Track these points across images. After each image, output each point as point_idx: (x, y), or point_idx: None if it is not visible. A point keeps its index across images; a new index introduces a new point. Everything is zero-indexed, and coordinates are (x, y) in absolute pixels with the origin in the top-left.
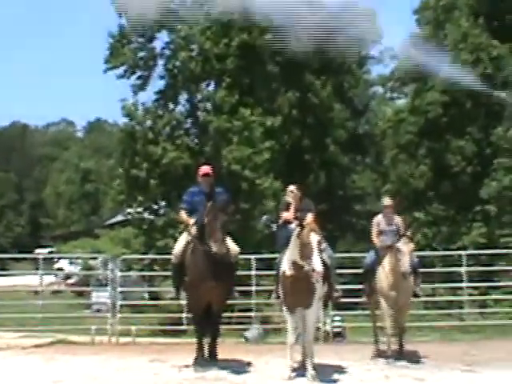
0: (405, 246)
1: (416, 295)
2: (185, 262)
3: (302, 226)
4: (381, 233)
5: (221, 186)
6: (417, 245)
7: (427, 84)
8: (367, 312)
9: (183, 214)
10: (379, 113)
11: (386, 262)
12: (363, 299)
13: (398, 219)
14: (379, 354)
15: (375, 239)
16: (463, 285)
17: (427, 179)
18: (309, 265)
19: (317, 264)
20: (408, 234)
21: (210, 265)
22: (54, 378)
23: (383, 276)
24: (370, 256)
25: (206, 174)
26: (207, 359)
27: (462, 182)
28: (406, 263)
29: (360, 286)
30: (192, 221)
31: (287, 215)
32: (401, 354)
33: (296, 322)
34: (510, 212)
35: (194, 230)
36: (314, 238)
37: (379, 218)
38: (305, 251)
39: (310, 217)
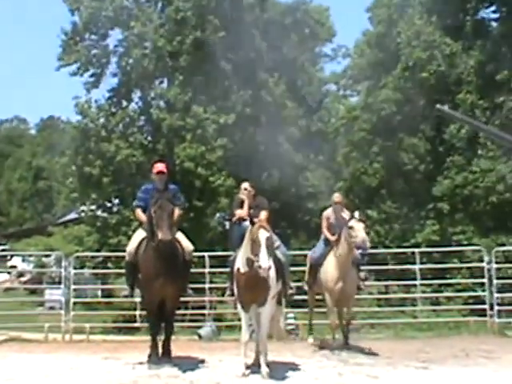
0: (356, 223)
1: (359, 289)
2: (138, 259)
3: (253, 223)
4: (330, 226)
5: (174, 183)
6: (370, 242)
7: (380, 82)
8: (320, 310)
9: (140, 213)
10: (332, 110)
11: (336, 249)
12: (305, 289)
13: (347, 213)
14: (322, 347)
15: (326, 232)
16: (416, 282)
17: (380, 177)
18: (256, 261)
19: (263, 260)
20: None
21: (164, 261)
22: (6, 375)
23: (330, 267)
24: (318, 248)
25: (160, 172)
26: (161, 357)
27: (415, 180)
28: (362, 234)
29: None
30: (144, 218)
31: (240, 212)
32: (347, 347)
33: (250, 319)
34: (463, 210)
35: (146, 226)
36: (263, 235)
37: (329, 212)
38: (255, 248)
39: (263, 214)
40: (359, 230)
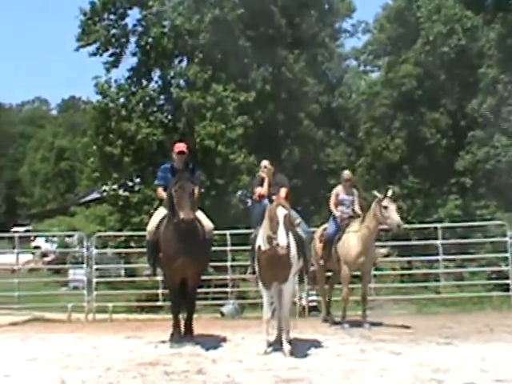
0: (391, 204)
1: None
2: (159, 238)
3: (272, 201)
4: (340, 203)
5: (193, 163)
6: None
7: (401, 57)
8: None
9: (161, 191)
10: (353, 86)
11: (363, 223)
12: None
13: (355, 192)
14: (327, 320)
15: (333, 208)
16: (439, 257)
17: (402, 152)
18: (275, 239)
19: (281, 238)
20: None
21: (184, 240)
22: (30, 355)
23: (352, 241)
24: (330, 225)
25: (181, 152)
26: (183, 335)
27: (437, 155)
28: (397, 217)
29: None
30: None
31: (260, 190)
32: (364, 321)
33: (272, 296)
34: (485, 184)
35: (166, 205)
36: (281, 213)
37: (338, 189)
38: (273, 226)
39: (282, 192)
40: (393, 212)
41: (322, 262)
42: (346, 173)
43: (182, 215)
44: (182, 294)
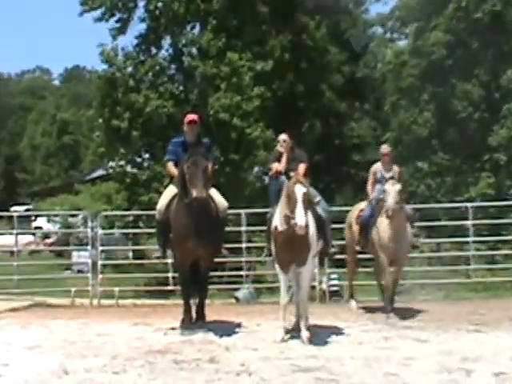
0: (390, 187)
1: (414, 247)
2: (169, 217)
3: (290, 177)
4: (377, 182)
5: (207, 136)
6: (420, 197)
7: (430, 23)
8: (366, 270)
9: (171, 167)
10: (378, 55)
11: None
12: (362, 255)
13: (396, 168)
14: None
15: (369, 189)
16: (470, 239)
17: (431, 126)
18: (292, 218)
19: (299, 217)
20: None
21: (196, 219)
22: (31, 343)
23: (383, 226)
24: (367, 208)
25: (191, 121)
26: (195, 322)
27: (469, 129)
28: (390, 201)
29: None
30: (175, 170)
31: (278, 166)
32: (392, 309)
33: (289, 280)
34: None
35: (178, 182)
36: (300, 190)
37: (377, 167)
38: (291, 204)
39: (301, 168)
40: (389, 195)
41: (358, 247)
42: (384, 147)
43: (194, 193)
44: (194, 277)
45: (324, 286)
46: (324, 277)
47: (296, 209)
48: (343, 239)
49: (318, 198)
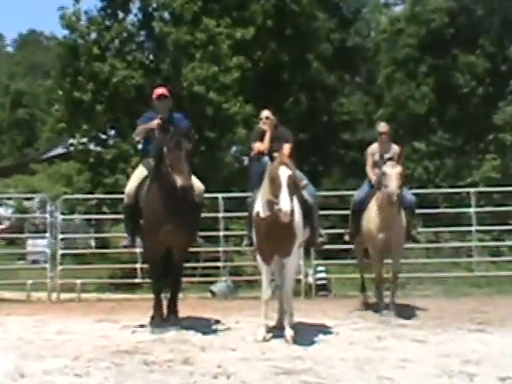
0: (390, 169)
1: (414, 240)
2: (139, 201)
3: (273, 158)
4: (376, 164)
5: (180, 111)
6: (417, 181)
7: None
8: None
9: (140, 127)
10: (372, 22)
11: (376, 197)
12: (346, 239)
13: (395, 148)
14: (367, 307)
15: (370, 171)
16: (472, 228)
17: (429, 102)
18: (276, 204)
19: (284, 203)
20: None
21: (170, 204)
22: None
23: (371, 215)
24: (361, 190)
25: (161, 96)
26: (166, 318)
27: (472, 106)
28: (392, 185)
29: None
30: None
31: (260, 146)
32: (392, 308)
33: (272, 273)
34: None
35: (151, 162)
36: (284, 173)
37: (374, 148)
38: (275, 188)
39: (285, 148)
40: (391, 179)
41: (347, 237)
42: (382, 125)
43: (179, 181)
44: (166, 269)
45: (310, 280)
46: (310, 269)
47: (280, 193)
48: (332, 227)
49: (305, 181)
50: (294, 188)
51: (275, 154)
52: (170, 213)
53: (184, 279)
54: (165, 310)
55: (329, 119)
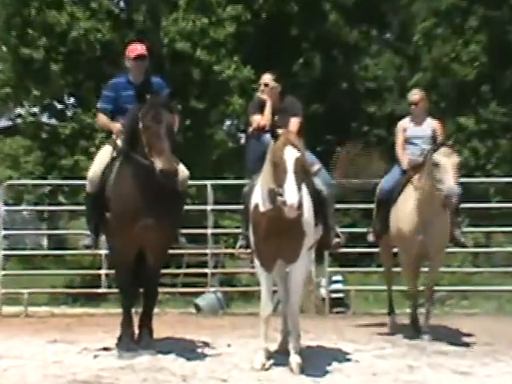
0: (445, 159)
1: (457, 243)
2: (106, 189)
3: (277, 136)
4: (407, 142)
5: (159, 74)
6: (463, 167)
7: None
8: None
9: (103, 118)
10: None
11: (413, 187)
12: (370, 239)
13: (432, 123)
14: (395, 329)
15: (400, 153)
16: None
17: (480, 66)
18: (280, 195)
19: (289, 194)
20: (450, 142)
21: (145, 194)
22: None
23: (406, 210)
24: (390, 177)
25: (139, 57)
26: (138, 339)
27: None
28: (449, 182)
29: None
30: (118, 126)
31: (260, 120)
32: (428, 330)
33: (274, 282)
34: None
35: (121, 140)
36: (291, 155)
37: (405, 122)
38: (279, 175)
39: (292, 123)
40: (447, 171)
41: (371, 236)
42: (415, 92)
43: (160, 164)
44: (139, 276)
45: (323, 292)
46: (323, 278)
47: (285, 181)
48: (352, 225)
49: (317, 166)
50: (304, 174)
51: (280, 131)
52: (144, 204)
53: (161, 289)
54: (136, 329)
55: (350, 86)
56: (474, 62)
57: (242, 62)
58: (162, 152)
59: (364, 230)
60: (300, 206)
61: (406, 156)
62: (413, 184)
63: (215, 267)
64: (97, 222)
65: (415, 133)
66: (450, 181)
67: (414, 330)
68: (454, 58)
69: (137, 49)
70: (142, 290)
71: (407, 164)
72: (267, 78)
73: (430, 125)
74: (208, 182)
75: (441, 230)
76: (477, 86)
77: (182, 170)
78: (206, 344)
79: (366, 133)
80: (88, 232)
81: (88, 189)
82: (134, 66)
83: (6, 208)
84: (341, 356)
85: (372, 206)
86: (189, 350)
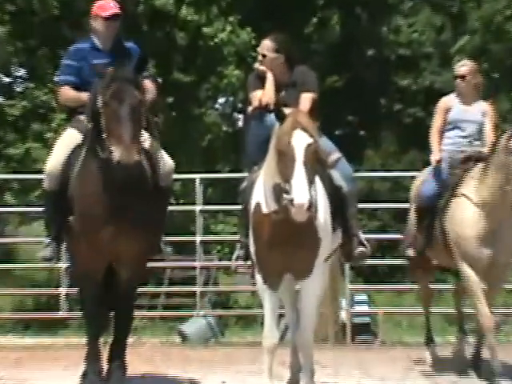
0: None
1: None
2: (69, 186)
3: (284, 116)
4: (450, 128)
5: (134, 38)
6: None
7: None
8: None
9: (68, 91)
10: None
11: (474, 183)
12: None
13: (483, 105)
14: (437, 363)
15: (434, 138)
16: None
17: None
18: (286, 192)
19: (298, 191)
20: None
21: (118, 192)
22: None
23: (467, 214)
24: (433, 177)
25: (111, 17)
26: (107, 375)
27: None
28: None
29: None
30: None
31: (261, 96)
32: (478, 363)
33: (281, 304)
34: None
35: (85, 120)
36: (301, 141)
37: (450, 100)
38: (286, 166)
39: (305, 100)
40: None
41: (411, 251)
42: (462, 63)
43: (117, 154)
44: (108, 296)
45: (343, 316)
46: (344, 298)
47: (293, 175)
48: (382, 230)
49: (336, 155)
50: (318, 166)
51: (287, 110)
52: (117, 205)
53: (138, 313)
54: (105, 364)
55: (377, 53)
56: None
57: (239, 24)
58: (120, 139)
59: (396, 236)
60: (311, 205)
61: (439, 145)
62: (473, 179)
63: (206, 284)
64: (58, 227)
65: (462, 115)
66: None
67: (473, 366)
68: (509, 17)
69: (108, 6)
70: (112, 313)
71: (436, 155)
72: (266, 45)
73: (482, 108)
74: (197, 176)
75: (509, 240)
76: None
77: (166, 162)
78: (195, 382)
79: (399, 112)
80: (47, 240)
81: (46, 185)
82: (104, 27)
83: None
84: None
85: (406, 205)
86: None
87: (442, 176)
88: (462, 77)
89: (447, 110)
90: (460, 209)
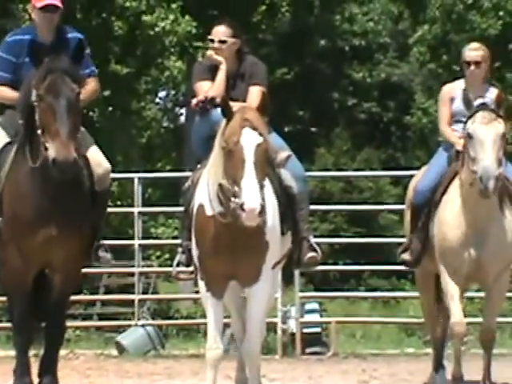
0: (485, 129)
1: None
2: (3, 186)
3: (231, 113)
4: (455, 121)
5: (74, 30)
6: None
7: None
8: (371, 294)
9: (4, 91)
10: None
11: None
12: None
13: (492, 91)
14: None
15: (444, 128)
16: None
17: (507, 15)
18: (234, 196)
19: (248, 194)
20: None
21: (51, 194)
22: None
23: (448, 215)
24: (431, 170)
25: (45, 7)
26: None
27: None
28: (487, 161)
29: (362, 240)
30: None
31: (208, 89)
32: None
33: (226, 313)
34: None
35: (16, 116)
36: (251, 140)
37: (455, 88)
38: (234, 167)
39: (254, 94)
40: (483, 150)
41: (406, 255)
42: (475, 47)
43: (53, 152)
44: (39, 304)
45: (293, 326)
46: (293, 307)
47: (243, 177)
48: (334, 234)
49: (286, 153)
50: (268, 166)
51: (235, 105)
52: (50, 207)
53: (71, 323)
54: (36, 378)
55: (330, 44)
56: (499, 11)
57: (182, 12)
58: (56, 135)
59: (349, 240)
60: (263, 210)
61: (451, 133)
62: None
63: (145, 292)
64: None
65: (468, 105)
66: (487, 159)
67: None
68: (470, 5)
69: None
70: (43, 324)
71: (457, 145)
72: (222, 31)
73: (491, 95)
74: (135, 175)
75: (500, 241)
76: (504, 43)
77: (102, 163)
78: None
79: (353, 108)
80: None
81: None
82: (39, 18)
83: None
84: None
85: (360, 207)
86: None
87: (440, 167)
88: (477, 63)
89: (452, 99)
90: (446, 206)
